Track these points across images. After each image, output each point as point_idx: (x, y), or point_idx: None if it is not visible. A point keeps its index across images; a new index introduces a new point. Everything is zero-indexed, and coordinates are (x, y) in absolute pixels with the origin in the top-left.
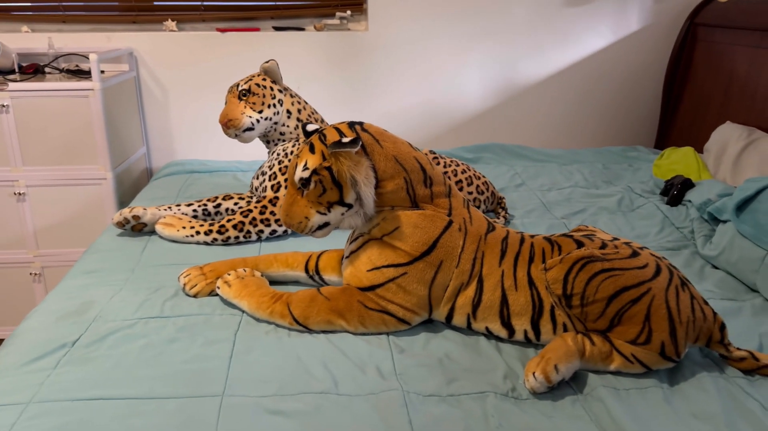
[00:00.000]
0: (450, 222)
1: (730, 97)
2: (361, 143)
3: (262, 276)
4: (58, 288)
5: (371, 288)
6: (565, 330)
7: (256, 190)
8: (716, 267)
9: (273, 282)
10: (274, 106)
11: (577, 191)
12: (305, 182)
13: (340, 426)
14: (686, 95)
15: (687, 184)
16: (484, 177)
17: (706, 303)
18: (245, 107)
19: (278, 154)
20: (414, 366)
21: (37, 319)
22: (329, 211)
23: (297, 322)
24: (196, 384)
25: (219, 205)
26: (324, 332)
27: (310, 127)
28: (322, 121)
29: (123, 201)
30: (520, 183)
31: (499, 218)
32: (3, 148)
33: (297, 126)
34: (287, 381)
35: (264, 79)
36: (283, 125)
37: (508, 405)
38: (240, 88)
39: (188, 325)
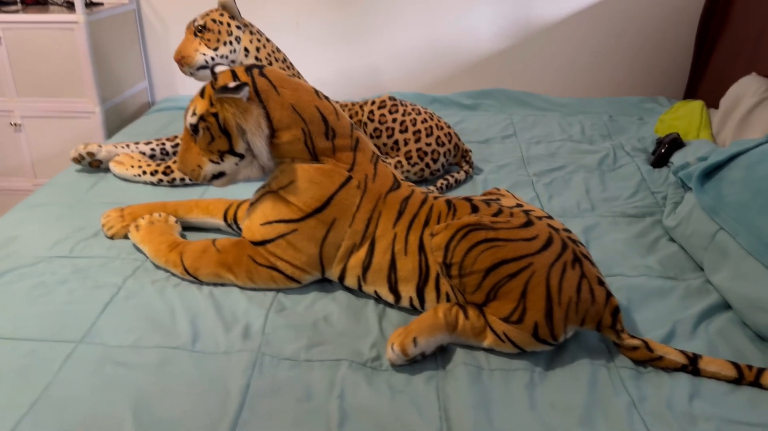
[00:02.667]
0: (348, 178)
1: (762, 45)
2: (247, 89)
3: (177, 222)
4: (1, 219)
5: (262, 243)
6: (448, 300)
7: None
8: (674, 240)
9: (194, 229)
10: (231, 43)
11: (566, 146)
12: (194, 128)
13: (174, 384)
14: (721, 42)
15: (675, 143)
16: (448, 128)
17: (601, 283)
18: (200, 44)
19: None
20: (285, 326)
21: None
22: (222, 160)
23: (188, 273)
24: (60, 328)
25: (177, 144)
26: (214, 284)
27: (219, 69)
28: (285, 60)
29: (113, 135)
30: (511, 134)
31: (460, 172)
32: None
33: None
34: (148, 332)
35: (222, 15)
36: (241, 64)
37: (360, 375)
38: (196, 24)
39: (87, 267)
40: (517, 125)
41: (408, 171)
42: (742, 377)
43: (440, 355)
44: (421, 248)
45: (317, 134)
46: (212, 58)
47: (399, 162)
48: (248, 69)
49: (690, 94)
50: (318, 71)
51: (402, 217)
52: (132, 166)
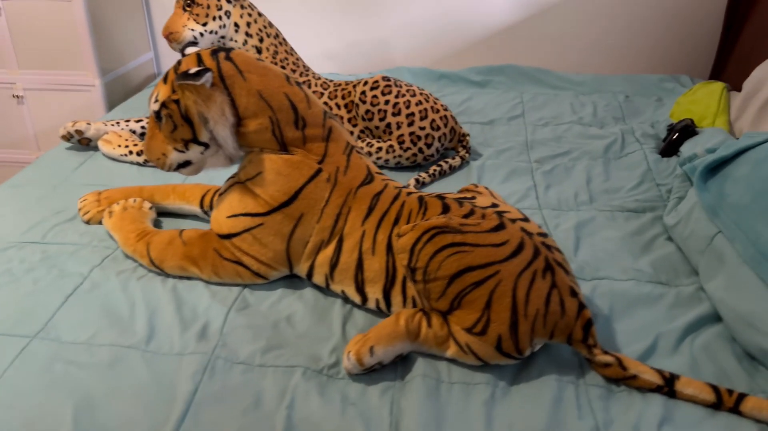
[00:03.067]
0: (318, 171)
1: None
2: (210, 75)
3: (152, 208)
4: None
5: (228, 236)
6: (415, 305)
7: None
8: (672, 240)
9: (172, 215)
10: (220, 18)
11: (574, 129)
12: (157, 116)
13: (121, 387)
14: (752, 19)
15: (687, 131)
16: (445, 110)
17: (573, 294)
18: (188, 19)
19: None
20: (244, 327)
21: None
22: (187, 149)
23: (153, 264)
24: (17, 321)
25: None
26: (180, 277)
27: (189, 51)
28: (277, 36)
29: (116, 107)
30: (518, 115)
31: (455, 158)
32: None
33: (246, 41)
34: (104, 329)
35: None
36: (231, 40)
37: (314, 384)
38: None
39: (56, 254)
40: (526, 104)
41: (400, 156)
42: (721, 402)
43: (401, 364)
44: (390, 248)
45: (286, 123)
46: (201, 34)
47: (391, 146)
48: (214, 52)
49: (716, 74)
50: (325, 44)
51: (372, 214)
52: (119, 145)
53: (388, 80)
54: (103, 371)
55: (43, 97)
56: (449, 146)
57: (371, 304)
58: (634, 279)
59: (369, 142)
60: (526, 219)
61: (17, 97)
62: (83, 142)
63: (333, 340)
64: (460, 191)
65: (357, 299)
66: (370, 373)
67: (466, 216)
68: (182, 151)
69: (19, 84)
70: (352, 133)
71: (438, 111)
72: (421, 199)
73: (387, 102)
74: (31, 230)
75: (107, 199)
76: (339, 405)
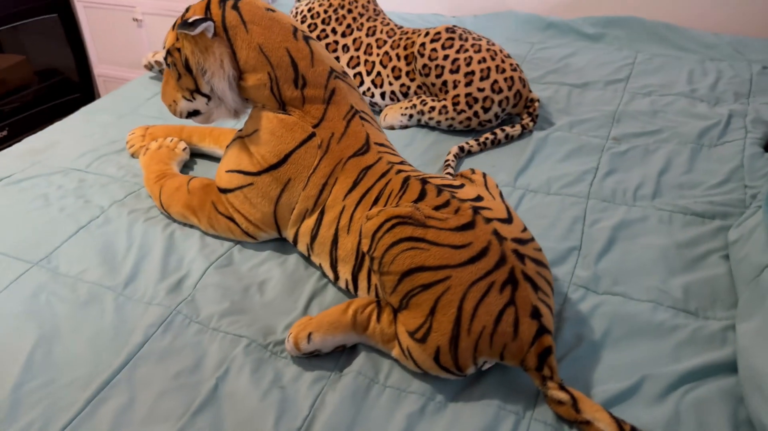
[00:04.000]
0: (311, 135)
1: None
2: (206, 26)
3: (185, 149)
4: (62, 122)
5: (224, 191)
6: (378, 294)
7: None
8: (728, 259)
9: (207, 157)
10: None
11: (678, 103)
12: (166, 62)
13: (85, 327)
14: None
15: None
16: (513, 71)
17: (535, 315)
18: None
19: (299, 12)
20: (217, 285)
21: (6, 153)
22: (193, 98)
23: (163, 207)
24: (28, 246)
25: None
26: (183, 224)
27: None
28: None
29: None
30: (620, 78)
31: (515, 126)
32: None
33: None
34: (94, 266)
35: None
36: None
37: (252, 359)
38: None
39: (90, 185)
40: (636, 67)
41: (453, 119)
42: None
43: (346, 355)
44: None
45: (285, 81)
46: None
47: (444, 107)
48: (223, 0)
49: None
50: None
51: (355, 189)
52: None
53: (453, 32)
54: (76, 308)
55: (160, 23)
56: (512, 112)
57: (342, 284)
58: (654, 302)
59: (423, 100)
60: (507, 220)
61: (137, 20)
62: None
63: (293, 315)
64: (458, 175)
65: (330, 276)
66: (310, 358)
67: (438, 207)
68: (190, 100)
69: (139, 8)
70: (406, 92)
71: (503, 71)
72: (406, 179)
73: (446, 57)
74: (80, 157)
75: (151, 134)
76: (267, 385)
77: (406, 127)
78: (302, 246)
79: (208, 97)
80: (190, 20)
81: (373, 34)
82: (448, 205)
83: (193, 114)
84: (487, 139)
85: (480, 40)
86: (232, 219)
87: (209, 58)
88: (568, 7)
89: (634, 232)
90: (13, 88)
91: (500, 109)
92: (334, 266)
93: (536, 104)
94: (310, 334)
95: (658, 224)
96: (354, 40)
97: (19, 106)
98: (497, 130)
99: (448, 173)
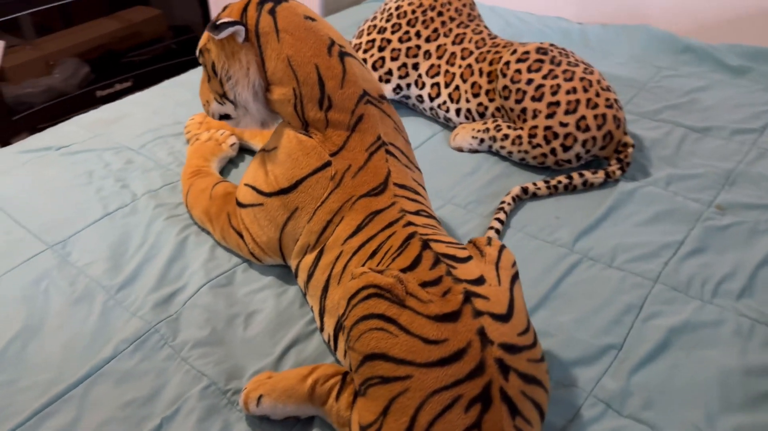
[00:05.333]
0: (327, 164)
1: None
2: (234, 30)
3: (233, 145)
4: (141, 93)
5: (240, 204)
6: None
7: None
8: None
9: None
10: None
11: None
12: (199, 62)
13: (68, 325)
14: None
15: None
16: (609, 107)
17: None
18: None
19: (386, 9)
20: (205, 308)
21: (78, 120)
22: (225, 102)
23: (187, 206)
24: (52, 227)
25: None
26: (202, 227)
27: None
28: None
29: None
30: (752, 129)
31: (598, 172)
32: None
33: None
34: (100, 262)
35: None
36: None
37: (206, 403)
38: None
39: (134, 167)
40: None
41: (526, 152)
42: None
43: (301, 425)
44: None
45: (309, 99)
46: None
47: (519, 137)
48: (261, 2)
49: None
50: None
51: (357, 234)
52: None
53: (545, 53)
54: (67, 304)
55: None
56: (599, 154)
57: (325, 337)
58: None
59: (498, 125)
60: (503, 317)
61: None
62: None
63: (266, 361)
64: (468, 245)
65: (318, 324)
66: (263, 420)
67: (426, 284)
68: (221, 103)
69: None
70: (483, 112)
71: (596, 106)
72: (409, 237)
73: (530, 82)
74: (140, 136)
75: (208, 123)
76: None
77: (476, 151)
78: (300, 282)
79: (235, 104)
80: (219, 22)
81: (461, 42)
82: (439, 282)
83: (224, 117)
84: (560, 182)
85: (576, 65)
86: (241, 235)
87: (235, 64)
88: (717, 30)
89: (697, 340)
90: (146, 41)
91: (584, 149)
92: (321, 315)
93: (629, 150)
94: (260, 397)
95: (732, 335)
96: (438, 47)
97: (147, 59)
98: (575, 174)
99: (498, 218)
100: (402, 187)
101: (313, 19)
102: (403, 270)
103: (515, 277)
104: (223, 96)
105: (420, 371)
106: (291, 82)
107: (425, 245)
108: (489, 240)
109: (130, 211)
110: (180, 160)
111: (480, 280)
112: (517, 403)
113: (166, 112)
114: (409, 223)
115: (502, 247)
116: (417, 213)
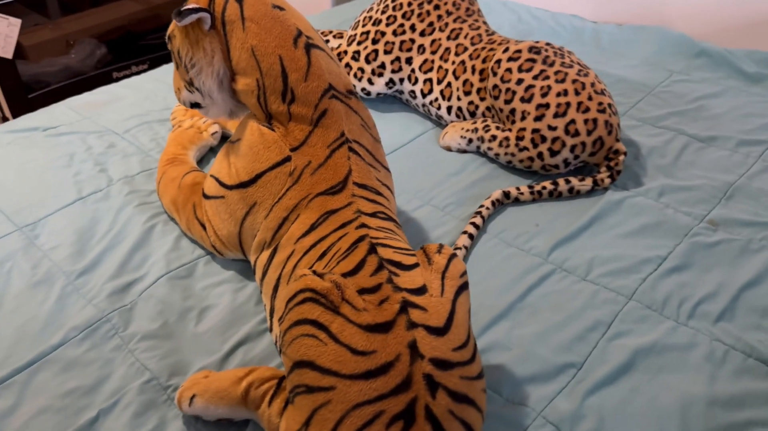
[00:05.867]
0: (286, 159)
1: None
2: (196, 17)
3: (215, 134)
4: (136, 78)
5: (205, 195)
6: None
7: None
8: None
9: None
10: None
11: None
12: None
13: (25, 311)
14: None
15: None
16: (601, 112)
17: None
18: None
19: (383, 0)
20: (160, 300)
21: (70, 102)
22: (194, 90)
23: (158, 194)
24: (23, 207)
25: (327, 41)
26: (170, 216)
27: None
28: None
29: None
30: (760, 141)
31: (586, 179)
32: None
33: None
34: (66, 245)
35: None
36: None
37: (144, 398)
38: None
39: (114, 152)
40: None
41: (512, 155)
42: None
43: (240, 427)
44: None
45: (272, 92)
46: None
47: (506, 139)
48: None
49: None
50: None
51: (310, 234)
52: None
53: (537, 53)
54: (26, 287)
55: None
56: (589, 160)
57: (273, 338)
58: None
59: (486, 125)
60: (439, 330)
61: None
62: None
63: (212, 358)
64: (418, 251)
65: (268, 323)
66: (198, 421)
67: (364, 290)
68: (190, 92)
69: None
70: (474, 111)
71: (587, 110)
72: (359, 240)
73: (520, 82)
74: (126, 120)
75: (193, 110)
76: None
77: (464, 151)
78: (257, 279)
79: (201, 93)
80: (183, 8)
81: (456, 37)
82: (377, 290)
83: (195, 105)
84: (544, 188)
85: (570, 67)
86: (204, 227)
87: (199, 52)
88: (736, 33)
89: (663, 364)
90: (164, 24)
91: (572, 155)
92: (271, 314)
93: (620, 158)
94: (193, 396)
95: (702, 361)
96: (432, 42)
97: (164, 42)
98: (561, 180)
99: (473, 223)
100: (362, 186)
101: (281, 9)
102: (345, 275)
103: (462, 288)
104: (191, 84)
105: (344, 383)
106: (254, 72)
107: (371, 249)
108: (440, 248)
109: (103, 196)
110: (162, 146)
111: (421, 290)
112: (443, 422)
113: (158, 97)
114: (363, 225)
115: (452, 256)
116: (374, 215)
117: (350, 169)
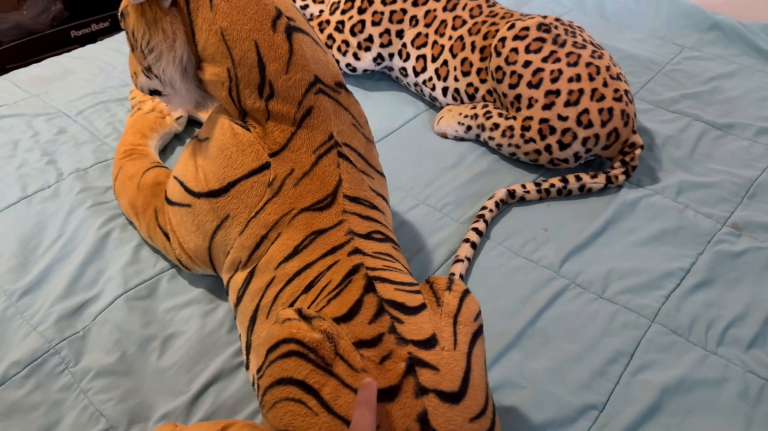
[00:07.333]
0: (265, 166)
1: None
2: None
3: (179, 119)
4: (89, 47)
5: (168, 201)
6: None
7: None
8: None
9: None
10: None
11: None
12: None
13: None
14: None
15: None
16: (618, 100)
17: None
18: None
19: None
20: (116, 327)
21: (14, 75)
22: (152, 77)
23: (114, 192)
24: None
25: (306, 6)
26: (128, 220)
27: None
28: None
29: None
30: None
31: (599, 176)
32: None
33: None
34: (6, 256)
35: None
36: None
37: None
38: None
39: (65, 139)
40: None
41: (517, 147)
42: None
43: None
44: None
45: (247, 85)
46: None
47: (510, 128)
48: None
49: None
50: None
51: (293, 258)
52: None
53: (547, 30)
54: None
55: None
56: (602, 154)
57: (250, 377)
58: None
59: (488, 111)
60: (454, 397)
61: None
62: None
63: (178, 401)
64: (422, 285)
65: (244, 359)
66: None
67: (363, 343)
68: (149, 78)
69: None
70: (473, 94)
71: (602, 98)
72: (353, 271)
73: (527, 64)
74: (79, 99)
75: None
76: None
77: (461, 139)
78: (231, 302)
79: (161, 81)
80: None
81: (453, 9)
82: (378, 342)
83: (155, 92)
84: (552, 185)
85: (583, 47)
86: (168, 237)
87: (158, 34)
88: (750, 2)
89: (693, 403)
90: None
91: (584, 148)
92: (248, 350)
93: (637, 152)
94: None
95: (736, 399)
96: (426, 13)
97: None
98: (571, 177)
99: (476, 228)
100: (354, 200)
101: None
102: (338, 320)
103: (477, 334)
104: (149, 70)
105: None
106: (225, 60)
107: (369, 286)
108: (450, 283)
109: (52, 194)
110: (120, 132)
111: (431, 342)
112: None
113: (116, 71)
114: (356, 250)
115: (465, 293)
116: (368, 236)
117: (340, 179)
